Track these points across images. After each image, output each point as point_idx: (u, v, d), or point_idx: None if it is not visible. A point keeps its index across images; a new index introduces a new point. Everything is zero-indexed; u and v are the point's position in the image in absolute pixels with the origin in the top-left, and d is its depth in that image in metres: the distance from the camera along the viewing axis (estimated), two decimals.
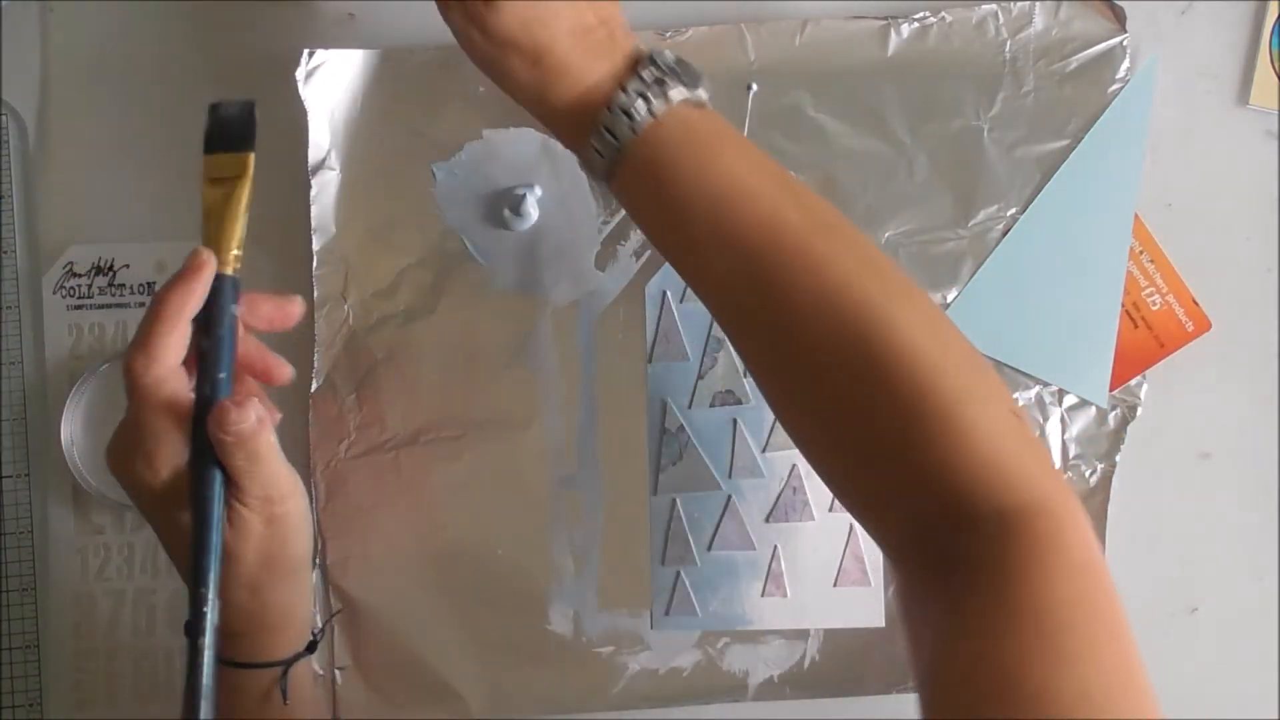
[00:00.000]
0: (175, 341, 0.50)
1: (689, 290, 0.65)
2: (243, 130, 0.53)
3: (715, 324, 0.65)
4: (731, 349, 0.65)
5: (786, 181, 0.50)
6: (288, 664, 0.54)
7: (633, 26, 0.66)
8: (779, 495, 0.65)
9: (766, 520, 0.65)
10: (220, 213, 0.52)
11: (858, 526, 0.65)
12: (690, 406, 0.65)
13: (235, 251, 0.52)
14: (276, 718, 0.54)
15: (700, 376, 0.65)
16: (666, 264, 0.65)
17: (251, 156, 0.52)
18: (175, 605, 0.65)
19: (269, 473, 0.51)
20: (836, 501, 0.64)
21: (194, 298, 0.50)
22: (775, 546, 0.65)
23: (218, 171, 0.52)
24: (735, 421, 0.65)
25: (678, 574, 0.65)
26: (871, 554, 0.65)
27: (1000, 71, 0.66)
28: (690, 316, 0.65)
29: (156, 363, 0.50)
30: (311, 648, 0.56)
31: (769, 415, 0.65)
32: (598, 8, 0.52)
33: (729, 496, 0.65)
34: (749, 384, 0.65)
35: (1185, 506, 0.66)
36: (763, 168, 0.50)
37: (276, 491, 0.52)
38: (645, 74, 0.51)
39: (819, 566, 0.65)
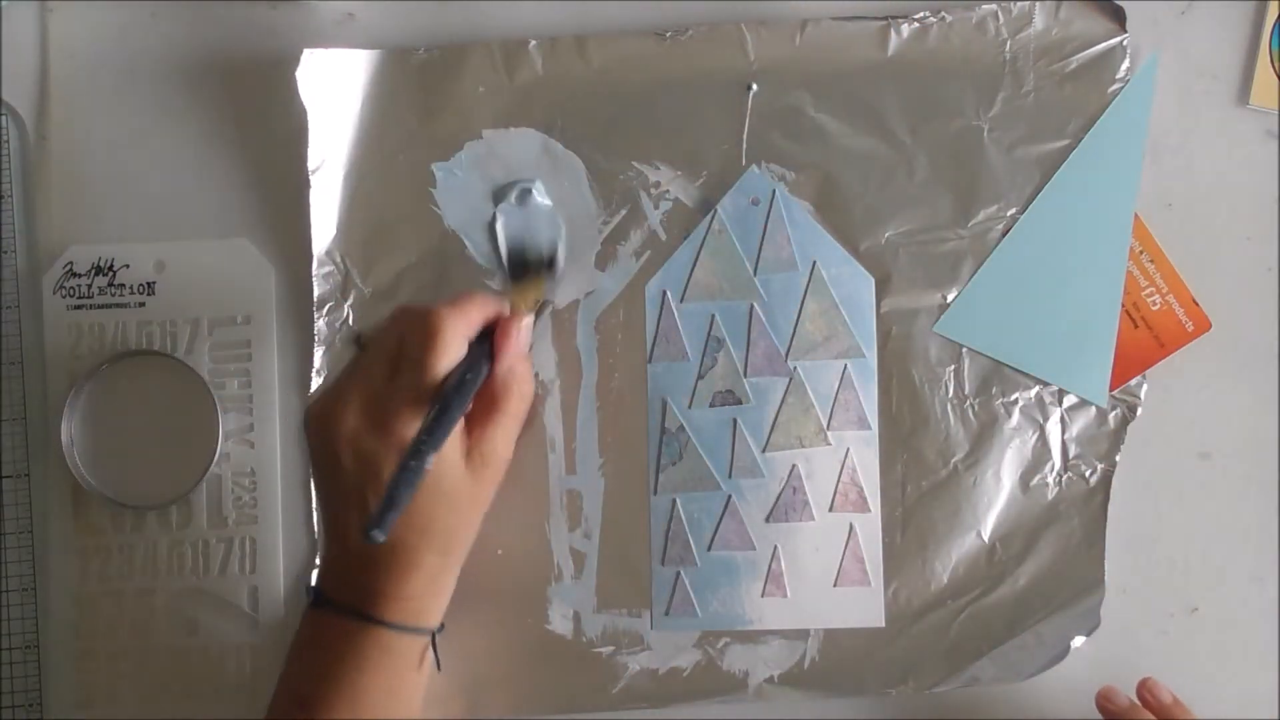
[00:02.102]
0: (475, 319, 0.57)
1: (689, 290, 0.65)
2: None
3: (716, 323, 0.65)
4: (731, 349, 0.65)
5: None
6: (435, 633, 0.57)
7: (633, 27, 0.66)
8: (779, 495, 0.65)
9: (766, 520, 0.65)
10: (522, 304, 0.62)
11: (858, 526, 0.65)
12: (690, 406, 0.65)
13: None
14: (417, 688, 0.57)
15: (700, 376, 0.65)
16: (667, 264, 0.66)
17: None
18: (175, 605, 0.65)
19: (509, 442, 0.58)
20: (837, 501, 0.65)
21: (487, 317, 0.58)
22: (775, 546, 0.65)
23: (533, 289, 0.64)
24: (735, 421, 0.65)
25: (678, 574, 0.65)
26: (872, 554, 0.65)
27: (1000, 71, 0.66)
28: (690, 316, 0.66)
29: (459, 315, 0.56)
30: (441, 626, 0.58)
31: (769, 415, 0.65)
32: None
33: (729, 496, 0.65)
34: (749, 384, 0.65)
35: (1185, 506, 0.66)
36: None
37: (504, 460, 0.58)
38: None
39: (819, 566, 0.65)
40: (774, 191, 0.66)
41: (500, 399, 0.57)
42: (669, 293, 0.66)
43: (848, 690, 0.65)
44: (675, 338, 0.66)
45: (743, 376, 0.65)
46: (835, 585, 0.65)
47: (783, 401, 0.65)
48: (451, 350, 0.55)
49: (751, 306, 0.65)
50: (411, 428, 0.53)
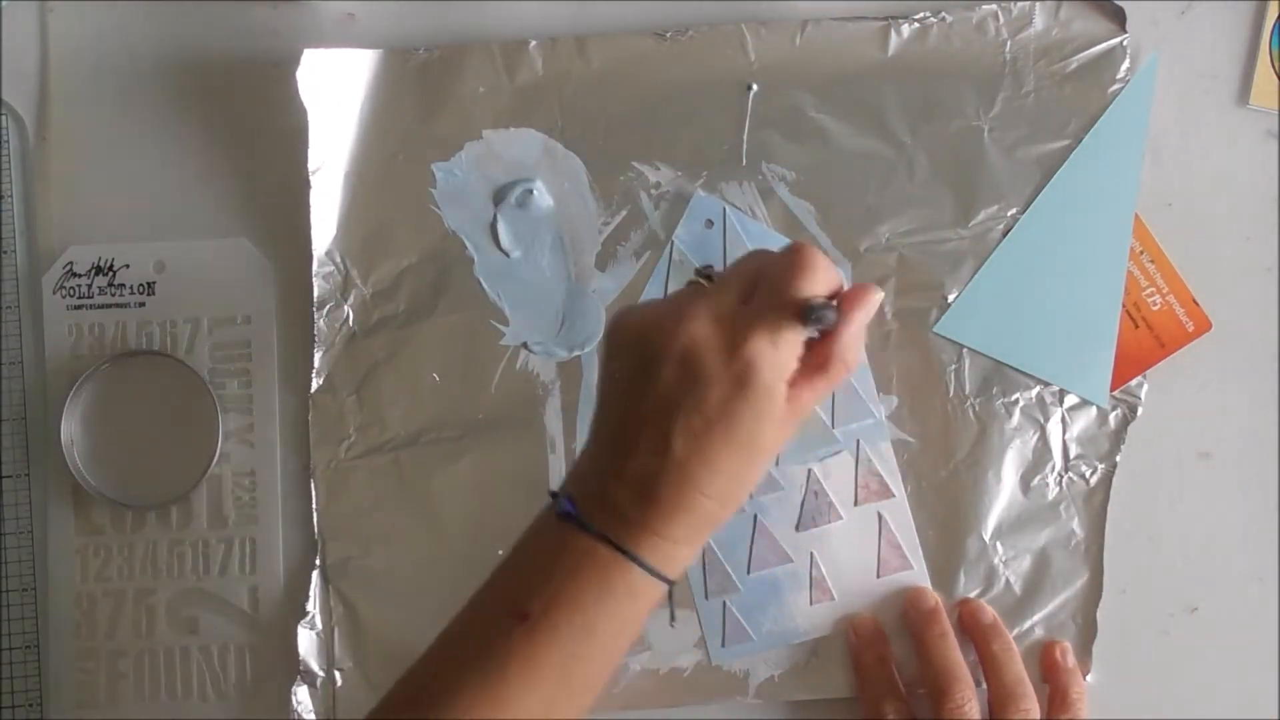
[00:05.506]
0: (834, 274, 0.53)
1: None
2: None
3: None
4: None
5: None
6: (674, 584, 0.52)
7: (633, 27, 0.66)
8: (802, 503, 0.65)
9: (796, 530, 0.65)
10: None
11: (887, 514, 0.65)
12: None
13: None
14: (637, 634, 0.54)
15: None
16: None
17: None
18: (175, 605, 0.65)
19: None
20: (860, 494, 0.64)
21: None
22: (811, 554, 0.64)
23: None
24: None
25: (724, 604, 0.64)
26: (907, 537, 0.64)
27: (1000, 72, 0.66)
28: None
29: (826, 259, 0.53)
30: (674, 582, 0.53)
31: None
32: None
33: (754, 516, 0.65)
34: None
35: (1185, 506, 0.66)
36: None
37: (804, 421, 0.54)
38: None
39: (858, 562, 0.64)
40: (724, 210, 0.66)
41: (830, 362, 0.52)
42: None
43: (848, 690, 0.65)
44: None
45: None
46: (879, 577, 0.65)
47: None
48: (818, 281, 0.51)
49: None
50: (761, 351, 0.49)
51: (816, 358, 0.52)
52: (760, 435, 0.50)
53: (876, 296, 0.53)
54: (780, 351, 0.50)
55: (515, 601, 0.51)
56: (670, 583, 0.51)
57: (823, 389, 0.52)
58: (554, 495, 0.52)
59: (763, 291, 0.51)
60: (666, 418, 0.50)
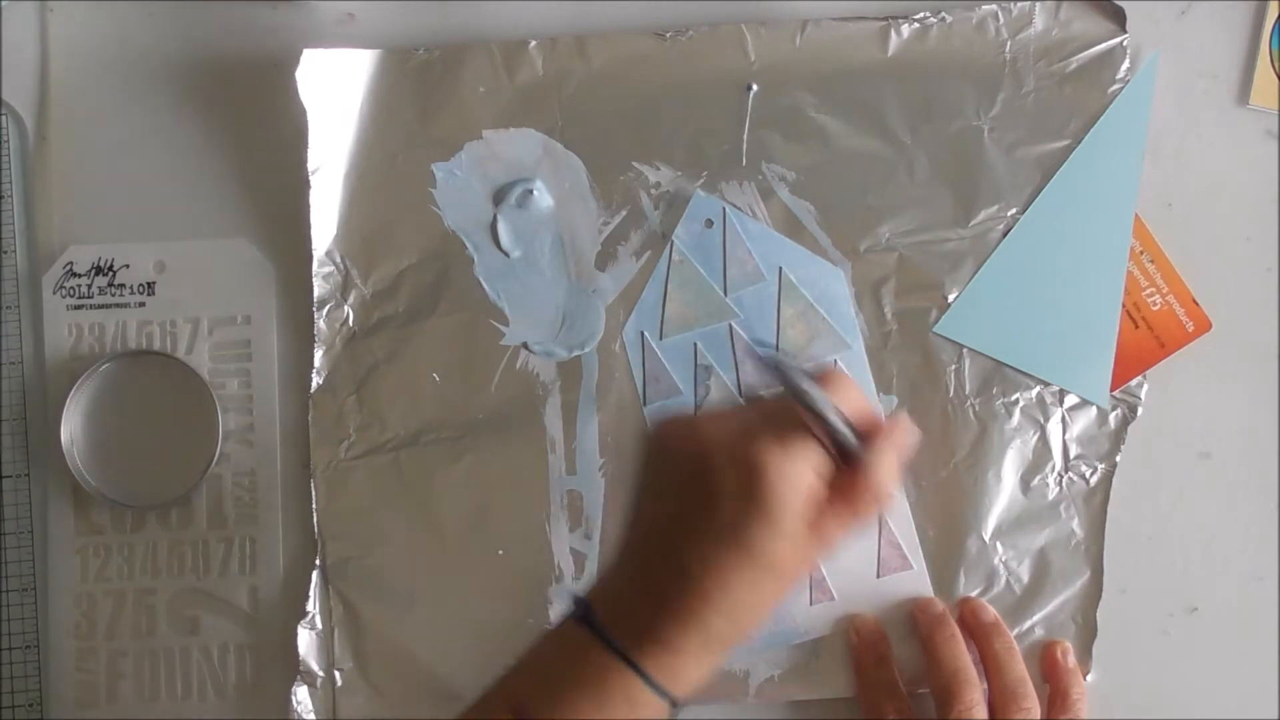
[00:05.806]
0: (855, 394, 0.51)
1: (665, 326, 0.65)
2: None
3: (700, 351, 0.65)
4: (721, 372, 0.65)
5: None
6: (676, 708, 0.51)
7: (633, 27, 0.67)
8: None
9: None
10: None
11: (887, 515, 0.64)
12: None
13: None
14: None
15: (697, 407, 0.65)
16: (638, 305, 0.65)
17: None
18: (175, 605, 0.65)
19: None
20: None
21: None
22: None
23: None
24: None
25: None
26: (907, 537, 0.64)
27: (1000, 72, 0.66)
28: (673, 350, 0.65)
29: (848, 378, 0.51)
30: (678, 707, 0.52)
31: None
32: None
33: None
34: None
35: (1185, 506, 0.66)
36: None
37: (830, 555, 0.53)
38: None
39: (858, 562, 0.64)
40: (724, 210, 0.66)
41: (856, 491, 0.50)
42: (646, 334, 0.66)
43: (848, 690, 0.65)
44: (664, 376, 0.65)
45: (739, 397, 0.65)
46: (879, 576, 0.65)
47: None
48: (838, 397, 0.49)
49: (730, 326, 0.65)
50: (767, 457, 0.48)
51: (843, 487, 0.50)
52: (774, 554, 0.48)
53: (907, 430, 0.51)
54: (791, 458, 0.48)
55: (519, 700, 0.50)
56: (674, 701, 0.50)
57: (850, 521, 0.50)
58: (577, 600, 0.51)
59: (776, 402, 0.50)
60: (678, 532, 0.49)
